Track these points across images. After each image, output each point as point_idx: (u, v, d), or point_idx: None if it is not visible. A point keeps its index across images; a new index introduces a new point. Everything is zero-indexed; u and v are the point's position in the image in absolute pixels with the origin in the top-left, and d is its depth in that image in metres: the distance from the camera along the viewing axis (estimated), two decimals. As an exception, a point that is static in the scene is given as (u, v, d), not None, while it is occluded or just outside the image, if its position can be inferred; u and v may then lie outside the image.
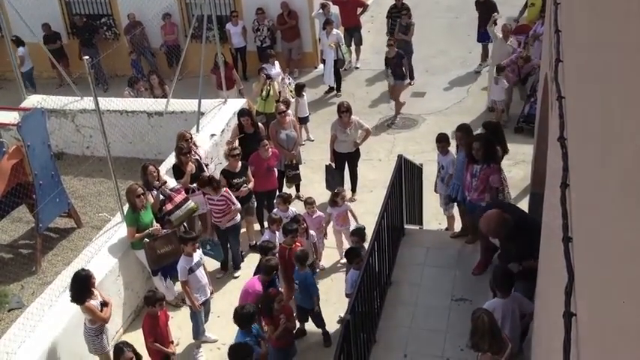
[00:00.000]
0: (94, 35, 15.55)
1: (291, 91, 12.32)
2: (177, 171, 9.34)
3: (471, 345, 5.47)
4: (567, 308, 2.25)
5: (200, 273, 7.78)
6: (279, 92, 12.09)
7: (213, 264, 9.17)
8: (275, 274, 7.49)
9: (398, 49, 12.75)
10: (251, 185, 9.31)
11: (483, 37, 13.98)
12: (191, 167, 9.27)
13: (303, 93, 12.12)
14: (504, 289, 6.01)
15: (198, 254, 7.85)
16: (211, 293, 8.10)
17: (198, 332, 7.92)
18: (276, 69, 12.88)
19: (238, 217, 9.06)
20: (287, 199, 9.06)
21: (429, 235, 8.95)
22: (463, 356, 6.62)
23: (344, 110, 10.06)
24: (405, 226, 8.70)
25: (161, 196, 8.74)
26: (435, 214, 9.56)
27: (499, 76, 11.72)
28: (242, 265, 9.35)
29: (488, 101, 12.63)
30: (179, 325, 8.40)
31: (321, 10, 14.28)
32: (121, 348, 6.63)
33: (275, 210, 8.94)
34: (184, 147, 9.30)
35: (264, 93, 11.74)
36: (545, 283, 4.46)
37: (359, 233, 8.10)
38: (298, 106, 11.95)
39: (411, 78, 13.98)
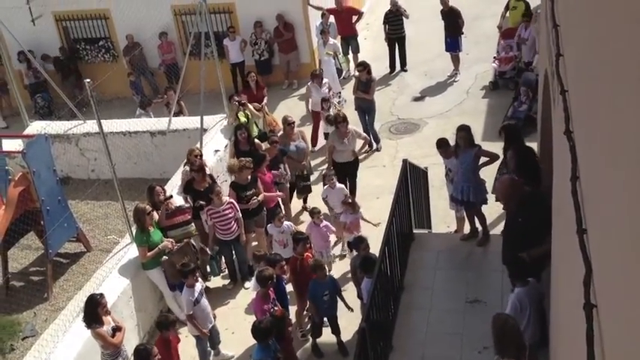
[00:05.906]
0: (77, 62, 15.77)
1: (339, 111, 11.45)
2: (190, 188, 9.29)
3: (497, 351, 5.38)
4: (587, 299, 2.23)
5: (204, 302, 7.79)
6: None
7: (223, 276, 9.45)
8: (270, 284, 7.33)
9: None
10: (261, 197, 9.21)
11: (451, 46, 13.88)
12: (208, 183, 9.24)
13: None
14: (521, 278, 6.00)
15: (199, 284, 7.84)
16: (214, 317, 8.06)
17: (205, 358, 7.99)
18: (322, 91, 11.84)
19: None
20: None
21: (438, 238, 8.92)
22: (481, 359, 6.58)
23: (340, 121, 10.08)
24: (414, 231, 8.68)
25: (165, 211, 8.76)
26: (442, 217, 9.52)
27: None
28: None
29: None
30: (194, 344, 8.36)
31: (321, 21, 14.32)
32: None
33: (269, 225, 9.02)
34: (196, 163, 9.28)
35: (242, 119, 11.00)
36: (562, 273, 4.44)
37: (355, 244, 8.03)
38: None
39: (377, 142, 11.99)
